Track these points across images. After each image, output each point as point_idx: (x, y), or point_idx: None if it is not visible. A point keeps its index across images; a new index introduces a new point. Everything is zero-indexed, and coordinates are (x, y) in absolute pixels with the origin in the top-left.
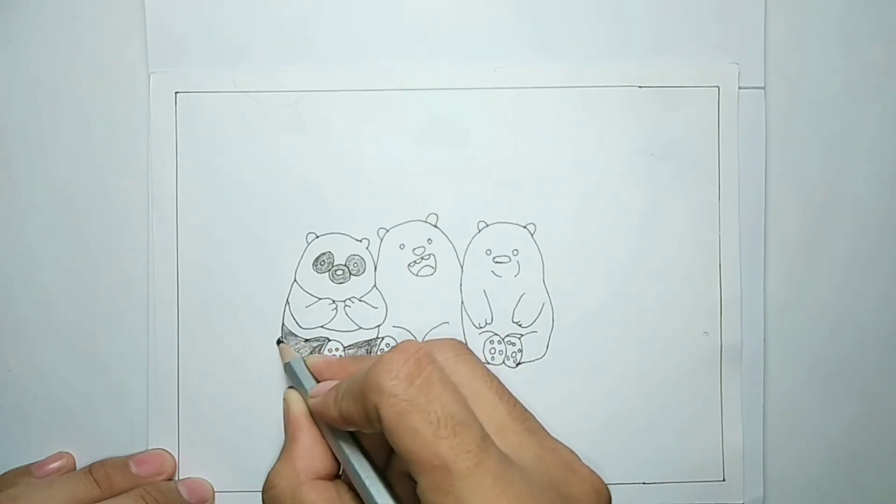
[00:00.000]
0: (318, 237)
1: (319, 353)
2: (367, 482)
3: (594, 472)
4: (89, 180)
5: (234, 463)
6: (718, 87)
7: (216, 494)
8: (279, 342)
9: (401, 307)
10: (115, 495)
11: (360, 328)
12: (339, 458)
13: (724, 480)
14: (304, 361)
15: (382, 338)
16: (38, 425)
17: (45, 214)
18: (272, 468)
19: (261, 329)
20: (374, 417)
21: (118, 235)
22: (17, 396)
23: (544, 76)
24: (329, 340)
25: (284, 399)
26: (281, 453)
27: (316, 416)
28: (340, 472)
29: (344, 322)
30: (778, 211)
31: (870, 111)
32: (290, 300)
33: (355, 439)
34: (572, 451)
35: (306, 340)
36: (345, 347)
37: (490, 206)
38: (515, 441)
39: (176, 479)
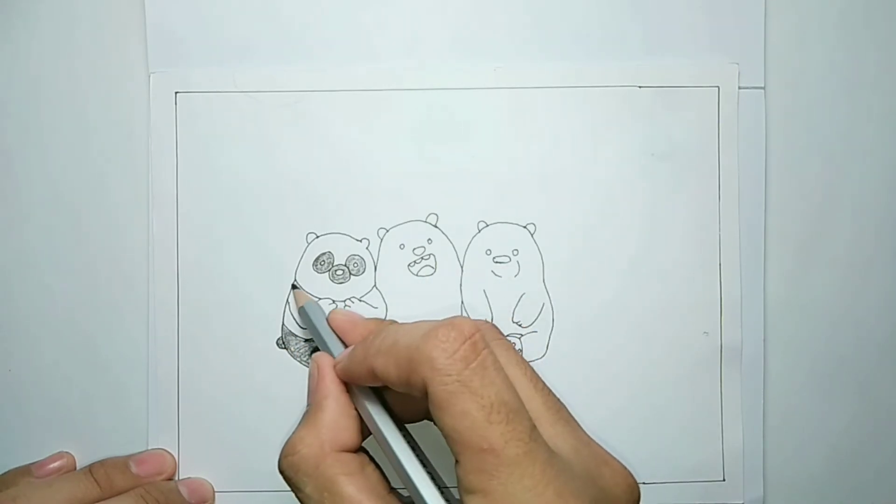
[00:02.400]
0: (318, 237)
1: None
2: (400, 455)
3: (626, 468)
4: (89, 180)
5: (234, 463)
6: (718, 87)
7: (216, 494)
8: (294, 287)
9: (401, 307)
10: (116, 495)
11: None
12: (368, 424)
13: (724, 480)
14: (325, 315)
15: None
16: (38, 425)
17: (45, 214)
18: (294, 433)
19: (261, 329)
20: (417, 387)
21: (118, 235)
22: (17, 396)
23: (544, 76)
24: None
25: (313, 360)
26: (305, 419)
27: (342, 373)
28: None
29: None
30: (778, 211)
31: (870, 111)
32: (290, 300)
33: (383, 402)
34: (601, 447)
35: (306, 340)
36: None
37: (490, 206)
38: (552, 431)
39: (176, 479)
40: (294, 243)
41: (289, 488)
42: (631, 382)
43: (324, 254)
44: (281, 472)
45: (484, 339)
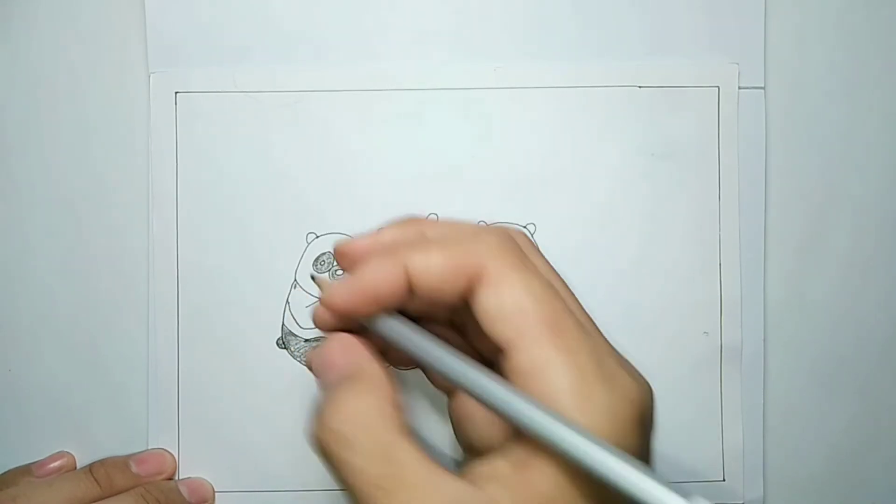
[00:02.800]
0: (318, 237)
1: None
2: (458, 364)
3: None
4: (89, 180)
5: (234, 463)
6: (718, 87)
7: (216, 494)
8: (313, 277)
9: None
10: (116, 494)
11: None
12: (408, 347)
13: (724, 480)
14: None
15: None
16: (38, 425)
17: (45, 214)
18: (339, 392)
19: (261, 329)
20: (467, 273)
21: (118, 235)
22: (17, 396)
23: (544, 76)
24: None
25: (329, 341)
26: (342, 392)
27: (351, 295)
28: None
29: None
30: (778, 211)
31: (870, 111)
32: (290, 300)
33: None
34: None
35: (306, 340)
36: None
37: (490, 206)
38: (592, 328)
39: (176, 478)
40: (294, 243)
41: (291, 487)
42: None
43: (324, 254)
44: (319, 433)
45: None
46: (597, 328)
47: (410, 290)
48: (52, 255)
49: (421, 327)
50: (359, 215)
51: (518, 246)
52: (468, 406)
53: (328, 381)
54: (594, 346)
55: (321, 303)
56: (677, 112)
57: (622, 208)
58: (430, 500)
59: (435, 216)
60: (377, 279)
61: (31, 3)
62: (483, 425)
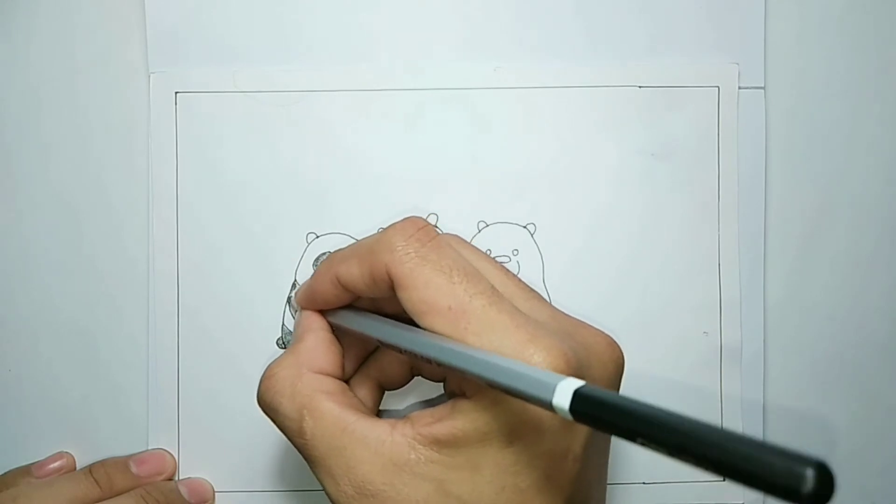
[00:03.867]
0: (318, 237)
1: None
2: (405, 330)
3: (605, 332)
4: (89, 180)
5: (234, 463)
6: (718, 87)
7: (216, 494)
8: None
9: None
10: (116, 495)
11: None
12: (361, 329)
13: (724, 480)
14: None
15: None
16: (38, 425)
17: (45, 214)
18: (274, 360)
19: (261, 329)
20: (380, 279)
21: (118, 235)
22: (17, 396)
23: (544, 76)
24: None
25: (297, 308)
26: (284, 352)
27: (304, 297)
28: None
29: None
30: (778, 211)
31: (870, 111)
32: (290, 300)
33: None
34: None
35: None
36: None
37: (490, 206)
38: (527, 305)
39: (176, 479)
40: (294, 243)
41: (291, 487)
42: (630, 382)
43: (324, 254)
44: (259, 400)
45: (434, 228)
46: (534, 298)
47: (349, 291)
48: (52, 255)
49: (366, 313)
50: (359, 215)
51: (419, 242)
52: (450, 381)
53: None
54: (503, 316)
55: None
56: (677, 112)
57: (622, 208)
58: (341, 440)
59: (435, 216)
60: (314, 284)
61: (32, 3)
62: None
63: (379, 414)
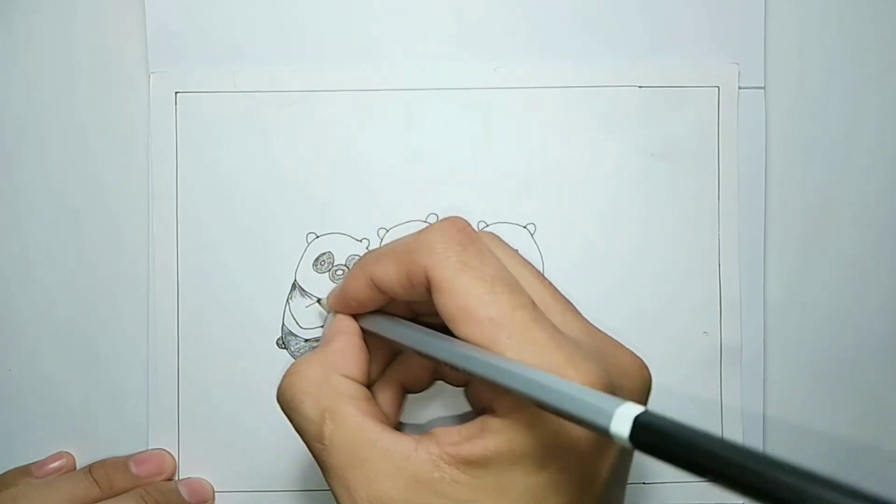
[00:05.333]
0: (318, 237)
1: None
2: (435, 338)
3: (635, 353)
4: (89, 180)
5: (234, 463)
6: (718, 87)
7: (216, 494)
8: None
9: None
10: (115, 495)
11: None
12: (391, 336)
13: None
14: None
15: None
16: (38, 425)
17: (45, 214)
18: (300, 358)
19: (261, 329)
20: (418, 281)
21: (118, 235)
22: (17, 396)
23: (544, 76)
24: None
25: (329, 310)
26: (312, 351)
27: (339, 299)
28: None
29: None
30: (778, 211)
31: (870, 111)
32: (290, 300)
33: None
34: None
35: (306, 340)
36: None
37: (490, 206)
38: (562, 319)
39: (176, 479)
40: (294, 243)
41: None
42: None
43: (324, 254)
44: (280, 395)
45: (475, 230)
46: (569, 311)
47: (383, 293)
48: (52, 255)
49: (401, 320)
50: (359, 215)
51: (461, 245)
52: (476, 389)
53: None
54: (544, 334)
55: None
56: (677, 112)
57: (622, 208)
58: (362, 451)
59: (435, 216)
60: (348, 286)
61: (32, 3)
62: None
63: (400, 427)
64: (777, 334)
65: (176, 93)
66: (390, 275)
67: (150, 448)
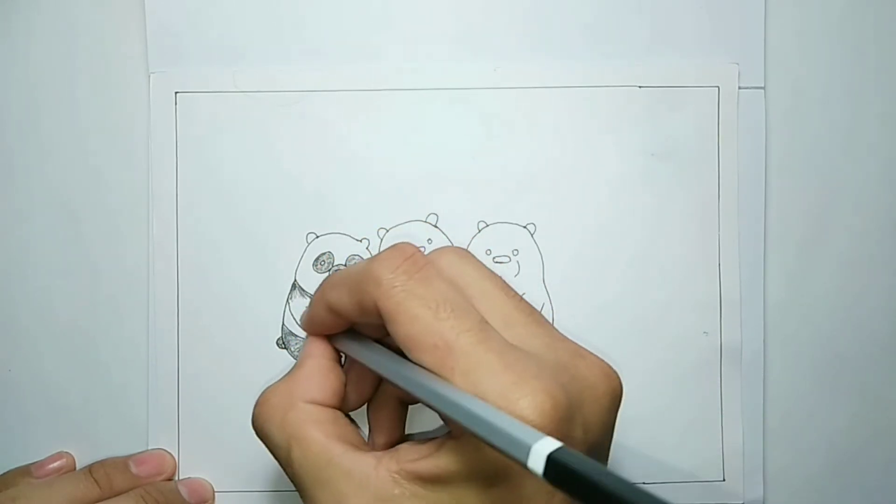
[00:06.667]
0: (318, 237)
1: None
2: (393, 363)
3: (604, 361)
4: (89, 180)
5: (234, 463)
6: (718, 87)
7: (216, 494)
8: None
9: None
10: (115, 495)
11: None
12: (363, 361)
13: (724, 480)
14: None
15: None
16: (38, 425)
17: (45, 214)
18: (269, 386)
19: (261, 329)
20: (369, 310)
21: (118, 235)
22: (17, 396)
23: (544, 76)
24: None
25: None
26: (267, 389)
27: (306, 323)
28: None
29: None
30: (778, 211)
31: (870, 111)
32: (290, 300)
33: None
34: (579, 344)
35: None
36: None
37: (490, 206)
38: (524, 332)
39: (176, 479)
40: (294, 243)
41: (291, 487)
42: (630, 382)
43: (324, 254)
44: (252, 424)
45: (424, 256)
46: (533, 323)
47: (343, 317)
48: (52, 255)
49: (366, 340)
50: (359, 215)
51: (406, 274)
52: None
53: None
54: (491, 356)
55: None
56: (677, 112)
57: (622, 208)
58: (326, 472)
59: (435, 216)
60: (311, 310)
61: (32, 3)
62: None
63: (406, 438)
64: (777, 334)
65: (176, 93)
66: (344, 303)
67: (150, 448)
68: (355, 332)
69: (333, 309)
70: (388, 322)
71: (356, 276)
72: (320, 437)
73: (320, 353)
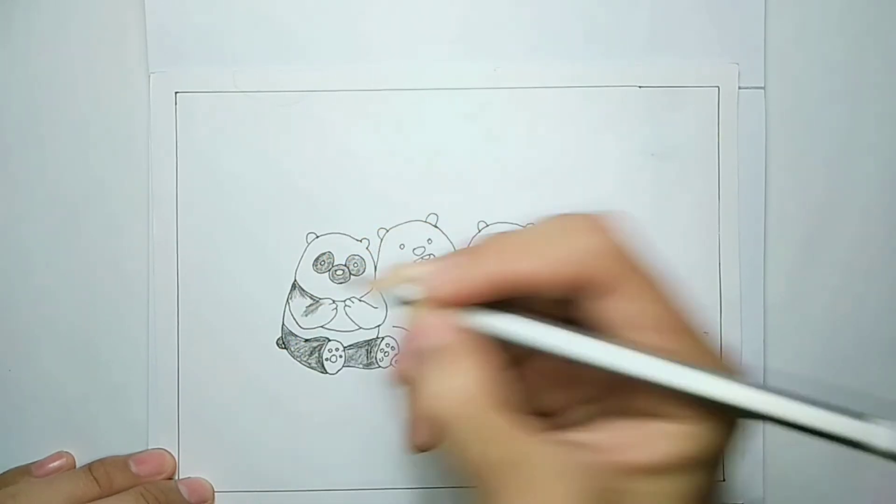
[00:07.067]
0: (318, 237)
1: (319, 353)
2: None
3: None
4: (89, 180)
5: (234, 463)
6: (718, 87)
7: (216, 494)
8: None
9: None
10: (115, 494)
11: (360, 328)
12: (531, 343)
13: (723, 480)
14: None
15: (382, 338)
16: (38, 425)
17: (45, 214)
18: (430, 385)
19: (261, 329)
20: (574, 282)
21: (118, 235)
22: (17, 396)
23: (544, 76)
24: (329, 340)
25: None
26: (438, 376)
27: (454, 288)
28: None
29: (344, 322)
30: (778, 211)
31: (870, 111)
32: (290, 300)
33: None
34: None
35: (306, 340)
36: (345, 347)
37: (490, 206)
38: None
39: (176, 478)
40: (294, 243)
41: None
42: None
43: (324, 254)
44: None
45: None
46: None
47: (504, 288)
48: (52, 255)
49: (534, 318)
50: (359, 215)
51: (622, 245)
52: (547, 371)
53: (427, 359)
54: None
55: (428, 290)
56: (677, 112)
57: (622, 208)
58: (538, 472)
59: (435, 216)
60: (464, 277)
61: (32, 3)
62: (561, 389)
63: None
64: (777, 334)
65: (176, 93)
66: (541, 273)
67: (150, 448)
68: (508, 309)
69: (520, 278)
70: (611, 295)
71: (556, 244)
72: (507, 425)
73: (472, 345)
